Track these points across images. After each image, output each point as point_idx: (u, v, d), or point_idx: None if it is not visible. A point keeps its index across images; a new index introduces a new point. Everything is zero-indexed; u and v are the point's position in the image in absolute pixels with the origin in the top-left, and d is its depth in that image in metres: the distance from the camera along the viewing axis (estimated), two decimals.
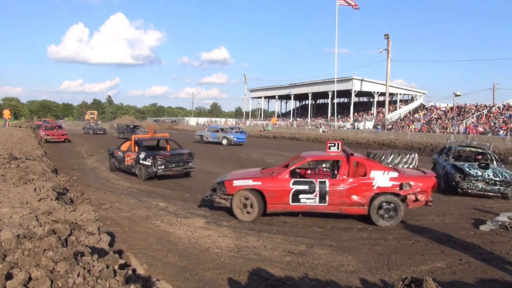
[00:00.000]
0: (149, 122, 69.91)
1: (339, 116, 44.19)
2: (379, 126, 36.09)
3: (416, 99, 44.42)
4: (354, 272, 4.51)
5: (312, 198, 6.58)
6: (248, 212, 6.75)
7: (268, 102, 65.75)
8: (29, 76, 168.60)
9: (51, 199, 6.04)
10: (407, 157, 11.34)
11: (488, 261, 4.82)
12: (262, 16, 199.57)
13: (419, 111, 39.03)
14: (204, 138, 25.84)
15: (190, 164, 11.18)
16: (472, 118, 30.32)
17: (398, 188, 6.46)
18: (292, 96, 54.38)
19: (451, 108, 33.87)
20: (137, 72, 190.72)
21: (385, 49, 34.44)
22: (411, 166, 11.14)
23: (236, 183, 6.85)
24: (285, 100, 63.28)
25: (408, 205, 6.53)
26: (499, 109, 31.02)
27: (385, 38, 34.54)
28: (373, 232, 6.18)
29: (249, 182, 6.81)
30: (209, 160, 15.86)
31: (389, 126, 35.33)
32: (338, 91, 41.72)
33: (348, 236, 5.98)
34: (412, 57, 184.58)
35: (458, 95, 29.75)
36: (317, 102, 59.57)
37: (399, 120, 37.84)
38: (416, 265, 4.72)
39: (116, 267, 3.43)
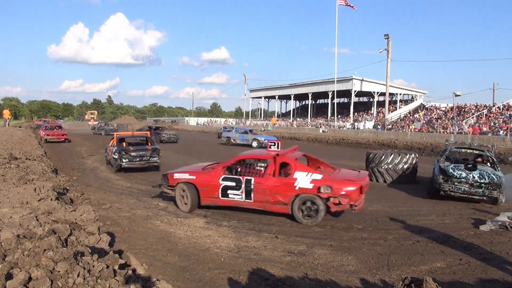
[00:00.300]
0: (148, 122, 69.88)
1: (339, 116, 44.16)
2: (379, 126, 36.07)
3: (416, 99, 44.42)
4: (354, 272, 4.51)
5: (239, 195, 6.96)
6: (185, 203, 7.35)
7: (268, 102, 65.80)
8: (29, 76, 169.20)
9: (51, 199, 6.05)
10: (407, 157, 11.36)
11: (488, 261, 4.82)
12: (262, 16, 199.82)
13: (419, 111, 39.02)
14: (232, 140, 24.30)
15: (154, 159, 12.53)
16: (472, 118, 30.33)
17: (317, 191, 6.46)
18: (292, 96, 54.37)
19: (451, 108, 33.87)
20: (137, 72, 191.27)
21: (385, 49, 34.40)
22: (411, 166, 11.18)
23: (175, 176, 7.52)
24: (285, 100, 63.27)
25: (330, 207, 6.43)
26: (499, 109, 31.02)
27: (385, 38, 34.51)
28: (373, 232, 6.17)
29: (186, 176, 7.41)
30: (208, 159, 15.81)
31: (389, 126, 35.32)
32: (338, 91, 41.69)
33: (348, 236, 5.97)
34: (412, 57, 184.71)
35: (458, 95, 29.71)
36: (317, 102, 59.53)
37: (399, 120, 37.83)
38: (416, 265, 4.72)
39: (116, 267, 3.43)
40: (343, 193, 6.35)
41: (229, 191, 7.03)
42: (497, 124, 27.43)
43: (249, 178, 6.95)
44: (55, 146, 21.55)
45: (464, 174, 8.48)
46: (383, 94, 39.28)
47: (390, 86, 36.55)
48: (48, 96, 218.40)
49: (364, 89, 42.44)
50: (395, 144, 23.85)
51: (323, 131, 36.06)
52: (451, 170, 8.67)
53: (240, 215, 7.06)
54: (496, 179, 8.27)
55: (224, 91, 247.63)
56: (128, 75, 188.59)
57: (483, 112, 31.09)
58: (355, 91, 42.07)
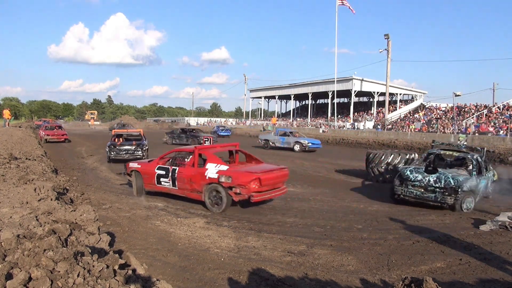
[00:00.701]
0: (149, 122, 69.91)
1: (339, 116, 44.18)
2: (379, 126, 36.09)
3: (416, 99, 44.45)
4: (354, 272, 4.51)
5: (168, 182, 7.96)
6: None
7: (268, 102, 65.84)
8: (29, 76, 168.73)
9: (51, 199, 6.04)
10: (407, 157, 11.37)
11: (488, 261, 4.82)
12: (262, 16, 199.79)
13: (419, 111, 39.04)
14: (270, 143, 22.08)
15: (138, 152, 14.60)
16: (472, 118, 30.33)
17: (218, 180, 7.11)
18: (292, 96, 54.38)
19: (451, 108, 33.88)
20: (137, 72, 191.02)
21: (385, 49, 34.45)
22: (411, 166, 11.15)
23: (130, 165, 8.80)
24: (285, 100, 63.30)
25: (232, 196, 6.98)
26: (499, 109, 31.03)
27: (385, 38, 34.55)
28: (373, 232, 6.17)
29: (135, 165, 8.68)
30: None
31: (389, 126, 35.33)
32: (338, 91, 41.71)
33: (348, 236, 5.97)
34: (412, 57, 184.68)
35: (458, 95, 29.71)
36: (317, 102, 59.56)
37: (399, 120, 37.84)
38: (416, 265, 4.72)
39: (116, 267, 3.43)
40: (240, 183, 6.87)
41: (161, 179, 8.04)
42: (497, 124, 27.44)
43: (175, 168, 7.87)
44: (55, 146, 21.55)
45: (420, 177, 7.91)
46: (383, 94, 39.31)
47: (390, 86, 36.57)
48: (48, 96, 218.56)
49: (364, 89, 42.46)
50: (395, 144, 23.88)
51: (323, 131, 36.08)
52: (407, 173, 8.18)
53: (240, 215, 7.07)
54: (453, 184, 7.49)
55: (224, 91, 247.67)
56: (128, 75, 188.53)
57: (483, 112, 31.10)
58: (355, 91, 42.09)
